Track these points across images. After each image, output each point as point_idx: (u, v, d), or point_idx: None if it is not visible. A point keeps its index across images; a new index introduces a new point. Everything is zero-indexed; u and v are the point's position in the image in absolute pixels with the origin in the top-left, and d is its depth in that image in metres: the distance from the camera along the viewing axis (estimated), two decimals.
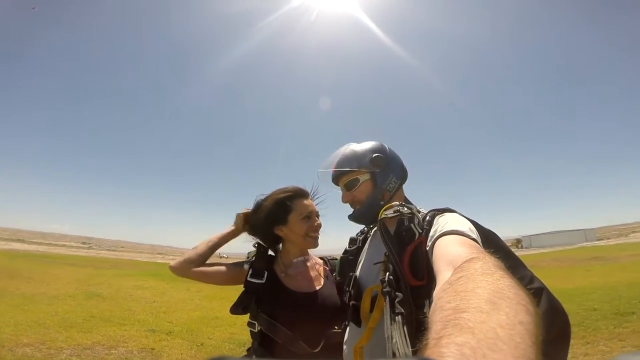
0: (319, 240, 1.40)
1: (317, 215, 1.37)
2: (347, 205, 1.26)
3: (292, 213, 1.33)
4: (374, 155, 1.19)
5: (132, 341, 4.68)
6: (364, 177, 1.19)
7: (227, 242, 1.40)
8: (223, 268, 1.34)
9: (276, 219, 1.34)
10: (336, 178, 1.25)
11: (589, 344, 4.01)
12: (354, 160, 1.20)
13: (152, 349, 4.44)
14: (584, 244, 50.60)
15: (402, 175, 1.23)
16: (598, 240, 62.49)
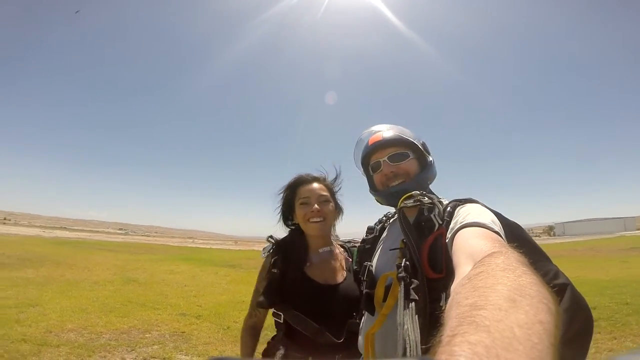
0: (338, 228, 1.46)
1: (324, 200, 1.36)
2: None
3: (295, 200, 1.38)
4: (423, 142, 1.22)
5: (165, 325, 5.00)
6: (413, 155, 1.17)
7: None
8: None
9: (287, 206, 1.42)
10: (385, 145, 1.18)
11: (615, 339, 3.82)
12: (413, 136, 1.19)
13: (182, 332, 4.73)
14: (623, 233, 47.44)
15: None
16: (638, 229, 58.64)
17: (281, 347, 1.25)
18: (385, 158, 1.16)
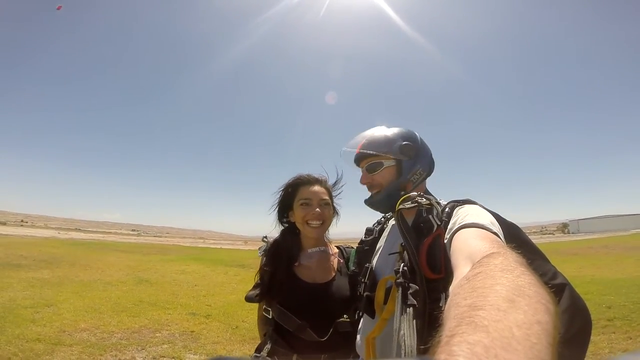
0: (333, 229, 1.46)
1: (325, 203, 1.37)
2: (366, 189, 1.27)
3: (295, 199, 1.39)
4: (404, 142, 1.15)
5: (175, 324, 5.05)
6: (388, 163, 1.15)
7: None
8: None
9: (284, 204, 1.43)
10: (359, 158, 1.22)
11: (630, 339, 3.67)
12: (383, 144, 1.16)
13: (192, 331, 4.77)
14: (638, 230, 45.35)
15: (429, 168, 1.20)
16: None
17: (268, 341, 1.29)
18: (364, 168, 1.20)
